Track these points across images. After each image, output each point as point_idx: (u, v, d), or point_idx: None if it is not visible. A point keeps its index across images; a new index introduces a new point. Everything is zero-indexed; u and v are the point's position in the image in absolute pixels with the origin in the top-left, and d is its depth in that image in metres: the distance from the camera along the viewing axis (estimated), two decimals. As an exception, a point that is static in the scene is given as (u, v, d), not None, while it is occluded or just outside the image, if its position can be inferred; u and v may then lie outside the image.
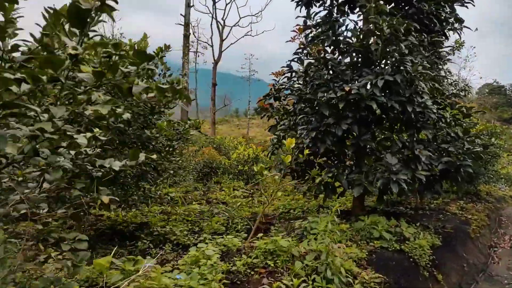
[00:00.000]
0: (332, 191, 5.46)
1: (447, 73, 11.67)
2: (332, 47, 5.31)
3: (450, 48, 14.93)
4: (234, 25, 31.53)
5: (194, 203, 8.47)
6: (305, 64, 4.97)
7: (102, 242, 5.63)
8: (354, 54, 5.13)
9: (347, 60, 5.26)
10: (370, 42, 4.83)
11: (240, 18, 31.66)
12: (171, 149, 6.11)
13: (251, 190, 10.32)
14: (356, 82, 4.58)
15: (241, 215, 7.21)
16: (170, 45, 5.27)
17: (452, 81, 10.53)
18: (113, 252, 3.56)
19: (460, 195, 10.95)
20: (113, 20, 5.05)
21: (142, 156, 1.98)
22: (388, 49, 4.50)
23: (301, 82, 5.37)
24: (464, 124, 5.23)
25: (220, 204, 8.22)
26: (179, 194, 9.14)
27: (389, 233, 4.61)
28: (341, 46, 5.03)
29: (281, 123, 6.01)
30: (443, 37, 5.58)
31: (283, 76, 6.07)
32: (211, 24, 33.05)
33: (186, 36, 19.51)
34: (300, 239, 4.96)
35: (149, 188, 5.97)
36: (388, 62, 4.60)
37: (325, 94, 4.56)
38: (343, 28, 5.44)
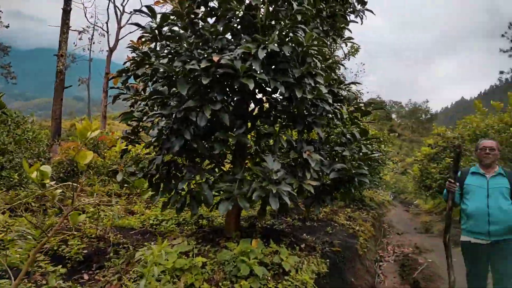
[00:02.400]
0: (201, 203, 4.03)
1: (342, 77, 11.33)
2: (204, 9, 3.86)
3: (345, 54, 15.01)
4: (134, 12, 28.52)
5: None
6: (158, 19, 3.40)
7: None
8: (233, 20, 3.77)
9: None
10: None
11: (142, 6, 28.76)
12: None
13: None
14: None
15: (88, 232, 5.32)
16: None
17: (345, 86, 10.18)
18: None
19: (347, 202, 10.69)
20: None
21: None
22: (276, 12, 3.26)
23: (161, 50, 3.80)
24: (362, 124, 4.29)
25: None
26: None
27: (264, 265, 3.34)
28: (215, 5, 3.60)
29: (136, 108, 4.35)
30: (343, 19, 4.61)
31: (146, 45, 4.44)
32: (108, 8, 29.65)
33: (65, 11, 16.34)
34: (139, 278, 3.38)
35: None
36: (276, 28, 3.34)
37: (185, 65, 3.08)
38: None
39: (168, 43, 3.54)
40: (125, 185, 4.46)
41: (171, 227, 6.42)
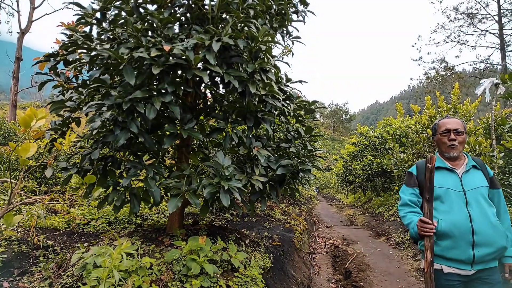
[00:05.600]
0: (141, 201, 3.81)
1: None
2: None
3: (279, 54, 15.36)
4: (67, -10, 25.47)
5: None
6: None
7: None
8: (177, 9, 3.60)
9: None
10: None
11: (59, -15, 25.98)
12: None
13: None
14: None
15: (6, 235, 4.68)
16: None
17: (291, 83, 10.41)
18: None
19: (281, 198, 11.04)
20: None
21: None
22: (227, 4, 3.19)
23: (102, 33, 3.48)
24: (306, 122, 4.41)
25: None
26: None
27: (214, 263, 3.27)
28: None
29: (67, 97, 3.95)
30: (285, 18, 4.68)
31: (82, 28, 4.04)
32: (18, -15, 26.22)
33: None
34: (77, 282, 3.07)
35: None
36: (228, 20, 3.26)
37: (132, 53, 2.86)
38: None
39: (110, 27, 3.26)
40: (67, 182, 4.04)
41: (102, 227, 6.01)
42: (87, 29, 3.91)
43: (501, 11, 22.84)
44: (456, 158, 2.49)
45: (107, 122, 3.12)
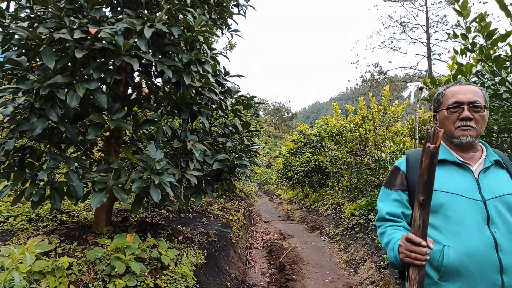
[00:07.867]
0: (64, 195, 3.51)
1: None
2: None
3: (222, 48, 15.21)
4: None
5: None
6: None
7: None
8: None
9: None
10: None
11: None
12: None
13: None
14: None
15: None
16: None
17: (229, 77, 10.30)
18: None
19: (220, 193, 10.97)
20: None
21: None
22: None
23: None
24: (244, 117, 4.39)
25: None
26: None
27: (142, 261, 3.11)
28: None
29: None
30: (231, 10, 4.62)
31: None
32: None
33: None
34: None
35: None
36: (163, 7, 3.11)
37: (53, 34, 2.60)
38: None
39: (29, 4, 2.94)
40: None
41: (21, 225, 5.49)
42: (3, 4, 3.51)
43: (429, 22, 24.86)
44: (470, 147, 1.58)
45: (22, 108, 2.81)
